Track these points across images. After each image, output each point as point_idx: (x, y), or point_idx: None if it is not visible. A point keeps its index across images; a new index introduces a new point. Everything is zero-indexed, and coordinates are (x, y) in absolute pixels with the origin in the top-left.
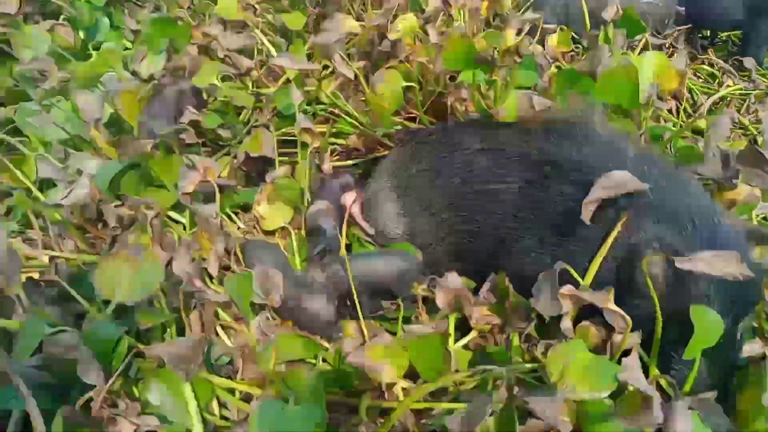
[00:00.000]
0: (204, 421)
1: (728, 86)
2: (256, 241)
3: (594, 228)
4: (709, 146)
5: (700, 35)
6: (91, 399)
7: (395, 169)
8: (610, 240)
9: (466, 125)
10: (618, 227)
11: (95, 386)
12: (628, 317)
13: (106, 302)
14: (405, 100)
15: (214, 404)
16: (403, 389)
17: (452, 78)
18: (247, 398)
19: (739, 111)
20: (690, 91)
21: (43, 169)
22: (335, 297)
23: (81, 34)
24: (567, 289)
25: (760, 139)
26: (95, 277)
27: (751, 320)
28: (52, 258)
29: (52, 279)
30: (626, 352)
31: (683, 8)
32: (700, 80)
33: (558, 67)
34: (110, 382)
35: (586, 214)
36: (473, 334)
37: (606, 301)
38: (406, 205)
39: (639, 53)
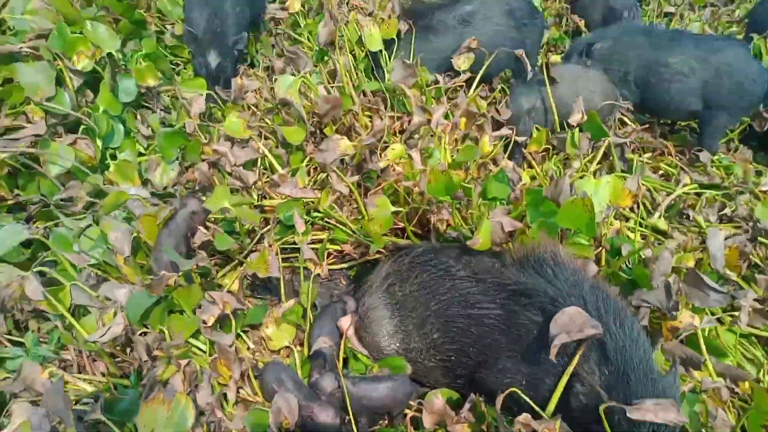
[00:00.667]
0: None
1: (685, 184)
2: (270, 364)
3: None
4: (654, 277)
5: (660, 122)
6: None
7: (389, 286)
8: (565, 377)
9: (452, 249)
10: (571, 367)
11: None
12: None
13: None
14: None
15: None
16: None
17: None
18: None
19: (694, 208)
20: (649, 190)
21: (77, 296)
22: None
23: (99, 143)
24: (524, 417)
25: (705, 257)
26: (138, 419)
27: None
28: (96, 394)
29: (98, 418)
30: None
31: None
32: (660, 175)
33: (531, 176)
34: None
35: (553, 353)
36: None
37: (553, 430)
38: (400, 322)
39: (603, 155)
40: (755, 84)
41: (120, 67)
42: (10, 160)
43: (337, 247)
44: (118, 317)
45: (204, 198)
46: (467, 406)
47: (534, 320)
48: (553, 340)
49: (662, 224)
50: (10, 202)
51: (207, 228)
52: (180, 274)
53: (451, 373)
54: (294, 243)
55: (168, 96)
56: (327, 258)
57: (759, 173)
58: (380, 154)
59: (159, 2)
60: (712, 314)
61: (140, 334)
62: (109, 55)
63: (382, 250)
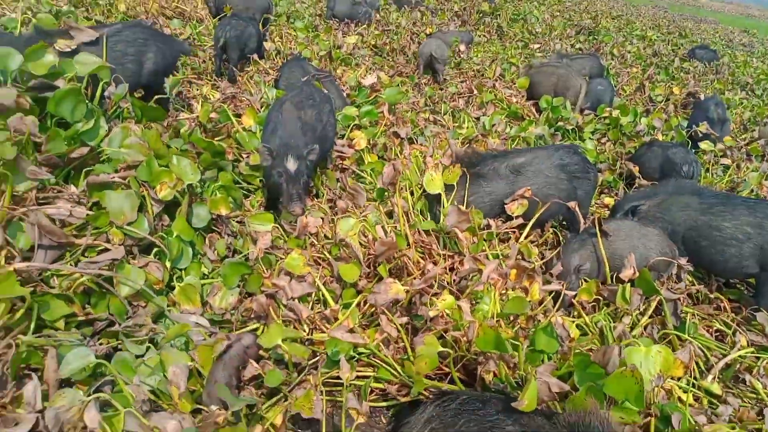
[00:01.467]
0: None
1: (741, 346)
2: None
3: None
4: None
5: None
6: None
7: (431, 430)
8: None
9: (499, 402)
10: None
11: None
12: None
13: None
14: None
15: None
16: None
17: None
18: None
19: (751, 372)
20: (701, 349)
21: (130, 423)
22: None
23: (168, 265)
24: None
25: (763, 428)
26: None
27: None
28: None
29: None
30: None
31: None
32: (714, 332)
33: (578, 326)
34: None
35: None
36: None
37: None
38: None
39: (654, 310)
40: None
41: (197, 196)
42: (87, 281)
43: (381, 386)
44: None
45: (258, 332)
46: None
47: None
48: None
49: (716, 388)
50: (80, 319)
51: (258, 361)
52: (229, 412)
53: None
54: (338, 377)
55: (236, 221)
56: (369, 395)
57: None
58: (430, 300)
59: (238, 134)
60: None
61: None
62: (189, 185)
63: (425, 393)
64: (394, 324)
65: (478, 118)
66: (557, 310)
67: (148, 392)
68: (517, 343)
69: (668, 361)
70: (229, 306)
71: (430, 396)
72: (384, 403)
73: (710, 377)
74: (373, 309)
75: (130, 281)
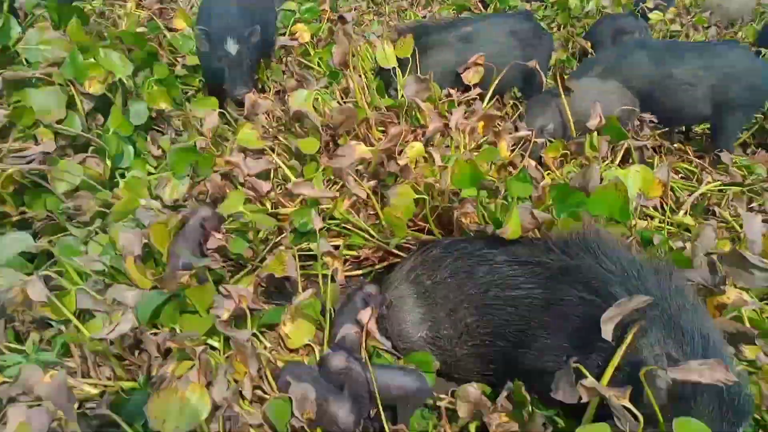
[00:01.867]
0: None
1: (708, 182)
2: (289, 364)
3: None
4: (696, 254)
5: (676, 131)
6: None
7: (415, 277)
8: (623, 349)
9: (484, 239)
10: (629, 339)
11: None
12: (640, 415)
13: None
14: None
15: None
16: None
17: (455, 194)
18: None
19: (719, 205)
20: (672, 189)
21: (83, 300)
22: (357, 406)
23: (108, 163)
24: (588, 381)
25: (742, 237)
26: (148, 409)
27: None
28: (102, 393)
29: (104, 413)
30: None
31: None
32: (680, 177)
33: (552, 179)
34: None
35: (607, 332)
36: None
37: (622, 397)
38: (428, 310)
39: (621, 159)
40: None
41: (131, 92)
42: (17, 177)
43: (354, 253)
44: (127, 314)
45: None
46: (504, 393)
47: (580, 296)
48: (607, 317)
49: (689, 220)
50: (15, 218)
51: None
52: (193, 271)
53: (484, 360)
54: (309, 250)
55: (179, 120)
56: (343, 265)
57: None
58: (398, 154)
59: (171, 38)
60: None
61: (152, 334)
62: (121, 81)
63: (402, 253)
64: (362, 186)
65: (424, 17)
66: (528, 156)
67: (99, 275)
68: (492, 179)
69: (647, 180)
70: (182, 195)
71: (408, 255)
72: (359, 271)
73: (682, 212)
74: (339, 185)
75: (67, 175)
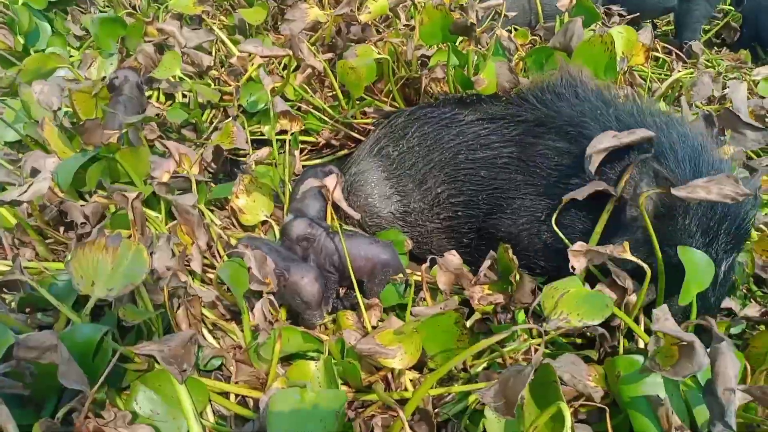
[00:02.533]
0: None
1: (679, 71)
2: (244, 238)
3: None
4: (690, 107)
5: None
6: (72, 410)
7: (380, 149)
8: (620, 189)
9: (456, 100)
10: (625, 177)
11: (75, 397)
12: (647, 267)
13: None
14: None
15: (208, 411)
16: (411, 380)
17: (423, 64)
18: (243, 403)
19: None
20: (643, 78)
21: None
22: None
23: (21, 39)
24: (579, 245)
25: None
26: (71, 269)
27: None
28: (15, 257)
29: (19, 279)
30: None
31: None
32: (653, 66)
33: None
34: (96, 386)
35: (593, 165)
36: (476, 315)
37: (622, 252)
38: (396, 182)
39: None
40: None
41: None
42: None
43: (312, 139)
44: (44, 173)
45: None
46: (487, 263)
47: (554, 146)
48: (591, 153)
49: (663, 107)
50: None
51: None
52: (125, 130)
53: (456, 233)
54: (261, 135)
55: (103, 1)
56: (300, 154)
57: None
58: (359, 8)
59: None
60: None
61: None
62: None
63: (361, 137)
64: (318, 57)
65: None
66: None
67: (11, 148)
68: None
69: (631, 41)
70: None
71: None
72: (318, 160)
73: (654, 99)
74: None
75: None
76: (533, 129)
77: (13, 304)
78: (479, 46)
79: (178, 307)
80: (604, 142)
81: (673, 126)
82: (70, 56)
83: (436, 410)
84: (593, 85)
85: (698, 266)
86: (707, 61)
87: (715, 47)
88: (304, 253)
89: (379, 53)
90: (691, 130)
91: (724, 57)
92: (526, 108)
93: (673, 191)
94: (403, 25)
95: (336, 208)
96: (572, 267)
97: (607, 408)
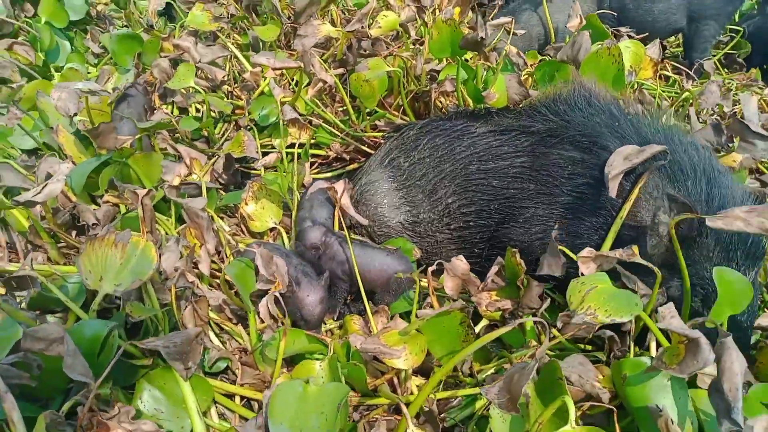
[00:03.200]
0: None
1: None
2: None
3: (599, 191)
4: (698, 114)
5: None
6: (77, 404)
7: (391, 160)
8: (629, 204)
9: (467, 113)
10: (636, 192)
11: (80, 392)
12: (657, 270)
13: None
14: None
15: (213, 413)
16: (417, 386)
17: (432, 78)
18: (248, 405)
19: (702, 112)
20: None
21: (8, 177)
22: (329, 297)
23: (41, 55)
24: (588, 251)
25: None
26: (80, 264)
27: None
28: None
29: (29, 275)
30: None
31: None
32: (663, 83)
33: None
34: (100, 379)
35: (613, 189)
36: (484, 322)
37: (632, 255)
38: (406, 193)
39: None
40: None
41: None
42: None
43: (322, 152)
44: (57, 176)
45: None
46: (494, 268)
47: (567, 156)
48: (610, 171)
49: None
50: None
51: None
52: (138, 136)
53: (468, 243)
54: (273, 148)
55: (121, 21)
56: (310, 167)
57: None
58: (369, 24)
59: None
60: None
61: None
62: None
63: (371, 150)
64: (329, 71)
65: None
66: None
67: (28, 155)
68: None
69: (639, 55)
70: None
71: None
72: (329, 174)
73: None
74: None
75: None
76: (545, 139)
77: (23, 304)
78: (488, 63)
79: (186, 308)
80: (617, 165)
81: (685, 142)
82: (88, 73)
83: (442, 415)
84: (607, 96)
85: (734, 287)
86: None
87: (726, 69)
88: (315, 259)
89: (389, 66)
90: (702, 148)
91: (733, 77)
92: (537, 119)
93: (708, 222)
94: (413, 41)
95: (344, 215)
96: (581, 273)
97: (614, 409)
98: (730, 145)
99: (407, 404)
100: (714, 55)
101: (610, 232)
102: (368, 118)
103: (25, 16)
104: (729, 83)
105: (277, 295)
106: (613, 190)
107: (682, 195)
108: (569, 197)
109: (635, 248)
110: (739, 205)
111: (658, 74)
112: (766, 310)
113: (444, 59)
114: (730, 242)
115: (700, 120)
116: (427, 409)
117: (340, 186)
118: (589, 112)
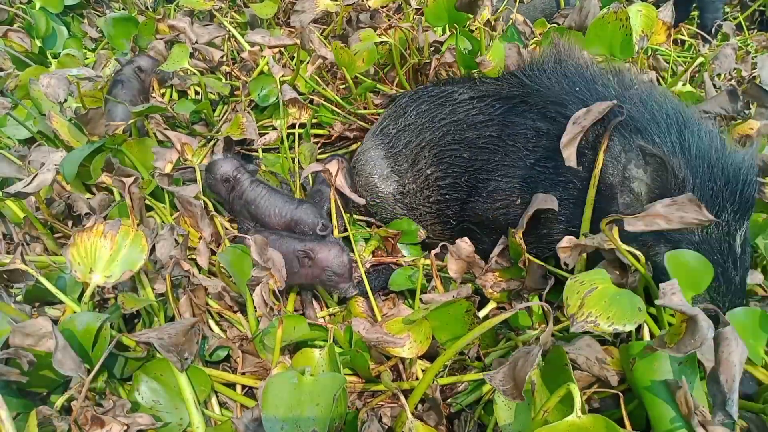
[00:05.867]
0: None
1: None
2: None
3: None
4: (716, 79)
5: None
6: (72, 399)
7: (383, 128)
8: (598, 169)
9: (459, 79)
10: (601, 155)
11: (75, 386)
12: (640, 255)
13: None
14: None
15: (213, 402)
16: (423, 371)
17: (437, 51)
18: (250, 394)
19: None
20: (667, 61)
21: (1, 168)
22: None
23: (38, 43)
24: (567, 240)
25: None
26: (68, 256)
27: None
28: (16, 246)
29: (20, 268)
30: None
31: None
32: (678, 48)
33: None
34: (93, 373)
35: (569, 158)
36: (491, 305)
37: (609, 242)
38: (394, 163)
39: None
40: None
41: None
42: None
43: (324, 132)
44: (48, 165)
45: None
46: (498, 249)
47: (534, 126)
48: (563, 149)
49: (689, 88)
50: None
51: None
52: (132, 121)
53: (445, 217)
54: (274, 128)
55: (118, 4)
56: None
57: None
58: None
59: None
60: None
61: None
62: None
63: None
64: (329, 46)
65: None
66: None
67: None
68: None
69: (651, 19)
70: None
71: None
72: (327, 155)
73: (680, 84)
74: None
75: None
76: (517, 107)
77: (19, 296)
78: (494, 32)
79: (182, 297)
80: (569, 132)
81: (655, 97)
82: (86, 58)
83: (448, 400)
84: (580, 61)
85: (689, 268)
86: (739, 41)
87: (755, 28)
88: (226, 194)
89: (384, 38)
90: (673, 100)
91: (751, 38)
92: (513, 83)
93: (626, 225)
94: (414, 12)
95: (341, 195)
96: (565, 264)
97: (621, 394)
98: (747, 111)
99: (410, 390)
100: (735, 17)
101: (586, 207)
102: (360, 87)
103: (20, 2)
104: (749, 45)
105: (271, 283)
106: (569, 160)
107: (655, 147)
108: (532, 171)
109: (616, 232)
110: (715, 152)
111: (672, 39)
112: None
113: (446, 30)
114: (712, 195)
115: (716, 86)
116: (430, 395)
117: (333, 166)
118: (560, 79)
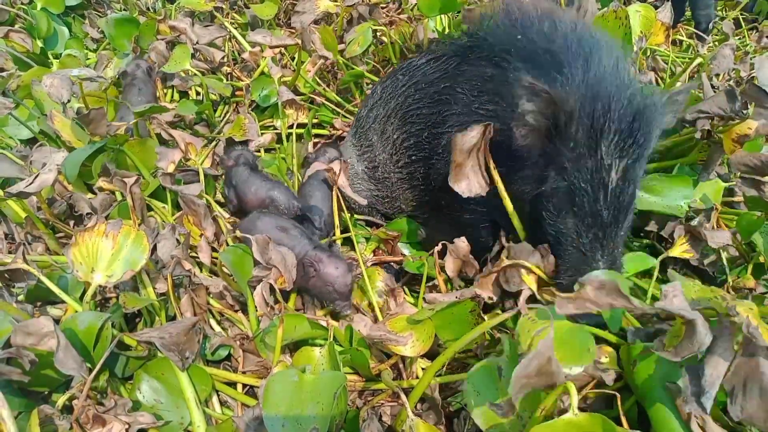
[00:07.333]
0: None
1: (702, 55)
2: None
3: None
4: (714, 80)
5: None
6: (73, 398)
7: (358, 113)
8: None
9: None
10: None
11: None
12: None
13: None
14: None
15: (215, 401)
16: (424, 369)
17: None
18: (251, 393)
19: (718, 77)
20: (665, 61)
21: (3, 168)
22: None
23: (39, 43)
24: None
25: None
26: (70, 255)
27: None
28: (18, 246)
29: (22, 268)
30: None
31: None
32: (677, 48)
33: None
34: (95, 372)
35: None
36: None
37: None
38: (364, 140)
39: None
40: None
41: None
42: None
43: (325, 132)
44: (50, 166)
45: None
46: (496, 248)
47: (481, 72)
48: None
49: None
50: None
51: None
52: (134, 121)
53: (416, 181)
54: (274, 128)
55: (119, 5)
56: (314, 147)
57: None
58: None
59: None
60: None
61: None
62: None
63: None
64: (327, 45)
65: None
66: None
67: (24, 144)
68: None
69: (649, 20)
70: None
71: None
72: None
73: (679, 83)
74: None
75: None
76: (469, 57)
77: (21, 296)
78: None
79: (183, 296)
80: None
81: (578, 36)
82: (87, 59)
83: (448, 399)
84: (530, 12)
85: None
86: (737, 40)
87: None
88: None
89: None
90: (590, 32)
91: (749, 37)
92: (468, 39)
93: (558, 308)
94: (413, 7)
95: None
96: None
97: (617, 394)
98: (745, 112)
99: (410, 389)
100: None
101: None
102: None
103: (22, 3)
104: (747, 46)
105: (272, 282)
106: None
107: (540, 82)
108: (475, 116)
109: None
110: (614, 86)
111: (670, 39)
112: None
113: (442, 21)
114: (594, 126)
115: (715, 87)
116: (429, 395)
117: (337, 166)
118: (506, 27)
